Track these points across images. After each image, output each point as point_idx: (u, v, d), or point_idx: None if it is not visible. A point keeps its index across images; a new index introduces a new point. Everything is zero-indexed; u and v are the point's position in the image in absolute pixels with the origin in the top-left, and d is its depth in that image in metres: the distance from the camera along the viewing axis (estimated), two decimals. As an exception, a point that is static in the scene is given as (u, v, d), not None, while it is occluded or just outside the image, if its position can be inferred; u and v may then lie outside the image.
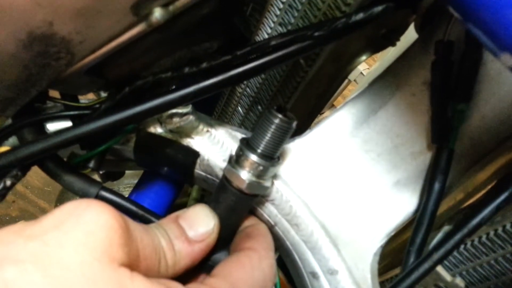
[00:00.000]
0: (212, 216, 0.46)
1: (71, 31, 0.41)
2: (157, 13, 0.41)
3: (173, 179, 0.67)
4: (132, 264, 0.35)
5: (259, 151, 0.47)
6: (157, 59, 0.47)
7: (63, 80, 0.47)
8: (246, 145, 0.48)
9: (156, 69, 0.48)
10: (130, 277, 0.33)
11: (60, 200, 1.59)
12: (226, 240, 0.51)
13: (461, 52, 0.45)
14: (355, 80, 2.41)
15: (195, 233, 0.44)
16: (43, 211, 1.63)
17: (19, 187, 1.57)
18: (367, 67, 2.35)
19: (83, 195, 0.52)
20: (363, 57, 0.64)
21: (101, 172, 0.67)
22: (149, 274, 0.38)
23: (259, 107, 0.74)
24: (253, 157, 0.47)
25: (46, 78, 0.45)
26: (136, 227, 0.38)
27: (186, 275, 0.44)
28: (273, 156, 0.49)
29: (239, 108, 0.77)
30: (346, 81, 2.38)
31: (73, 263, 0.31)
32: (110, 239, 0.33)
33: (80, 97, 0.58)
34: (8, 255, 0.30)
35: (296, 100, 0.68)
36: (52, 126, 0.55)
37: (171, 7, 0.42)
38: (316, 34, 0.45)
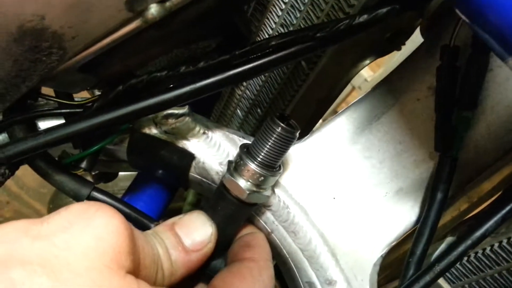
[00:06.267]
0: (209, 224, 0.45)
1: (63, 25, 0.39)
2: (153, 9, 0.40)
3: (167, 182, 0.65)
4: (134, 273, 0.34)
5: (259, 160, 0.45)
6: (153, 57, 0.46)
7: (55, 77, 0.45)
8: (246, 152, 0.46)
9: (152, 67, 0.46)
10: (137, 285, 0.32)
11: (53, 202, 1.56)
12: (223, 248, 0.49)
13: (467, 57, 0.44)
14: (359, 87, 2.37)
15: (192, 242, 0.43)
16: (38, 213, 1.60)
17: (14, 188, 1.56)
18: (372, 73, 2.32)
19: (74, 195, 0.51)
20: (367, 61, 0.63)
21: (93, 173, 0.66)
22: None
23: (259, 110, 0.73)
24: (253, 166, 0.45)
25: (37, 74, 0.43)
26: (139, 235, 0.37)
27: (183, 283, 0.42)
28: (274, 166, 0.47)
29: (238, 110, 0.76)
30: (350, 87, 2.35)
31: (82, 267, 0.30)
32: (119, 246, 0.32)
33: (75, 95, 0.57)
34: (14, 254, 0.29)
35: (297, 104, 0.66)
36: (44, 124, 0.54)
37: (167, 4, 0.40)
38: (318, 35, 0.44)
